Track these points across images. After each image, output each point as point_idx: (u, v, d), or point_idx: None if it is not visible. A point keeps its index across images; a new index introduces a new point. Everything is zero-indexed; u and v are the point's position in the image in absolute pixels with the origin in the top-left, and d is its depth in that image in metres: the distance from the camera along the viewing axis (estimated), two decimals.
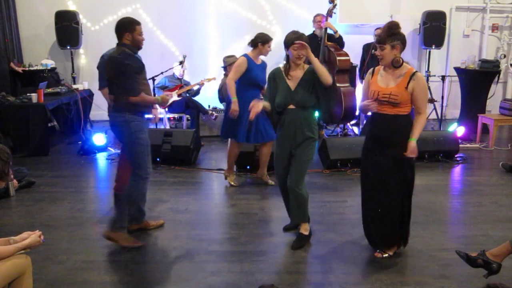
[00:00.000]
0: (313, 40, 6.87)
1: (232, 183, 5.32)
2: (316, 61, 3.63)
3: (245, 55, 5.03)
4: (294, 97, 3.73)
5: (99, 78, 4.93)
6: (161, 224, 4.26)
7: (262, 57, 5.09)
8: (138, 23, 3.89)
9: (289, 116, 3.76)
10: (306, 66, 3.78)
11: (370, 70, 3.64)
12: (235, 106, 4.89)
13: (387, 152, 3.45)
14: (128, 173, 3.99)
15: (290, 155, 3.79)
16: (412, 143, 3.40)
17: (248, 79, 4.96)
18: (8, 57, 7.98)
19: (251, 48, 5.03)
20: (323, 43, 6.74)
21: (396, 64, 3.40)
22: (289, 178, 3.77)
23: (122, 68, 3.72)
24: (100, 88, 4.86)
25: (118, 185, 4.26)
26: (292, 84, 3.75)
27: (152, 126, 7.02)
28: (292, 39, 3.65)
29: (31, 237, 2.71)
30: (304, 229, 3.88)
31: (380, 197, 3.50)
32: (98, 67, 5.03)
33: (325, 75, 3.62)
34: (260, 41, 4.96)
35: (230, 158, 5.35)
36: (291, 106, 3.74)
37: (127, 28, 3.86)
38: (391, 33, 3.36)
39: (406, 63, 3.46)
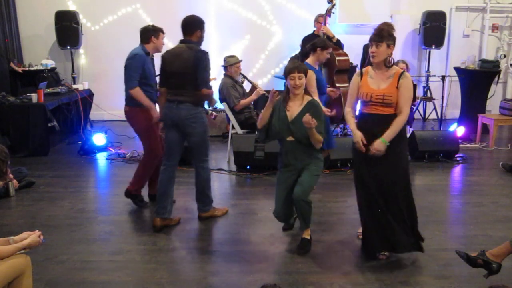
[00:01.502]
0: (311, 40, 6.87)
1: None
2: (313, 132, 3.50)
3: (308, 66, 4.52)
4: (291, 130, 3.64)
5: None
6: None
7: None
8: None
9: (289, 148, 3.68)
10: (307, 98, 3.69)
11: (358, 72, 3.60)
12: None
13: (383, 159, 3.38)
14: (146, 174, 4.50)
15: (295, 182, 3.69)
16: (381, 143, 3.35)
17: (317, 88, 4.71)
18: (8, 57, 7.99)
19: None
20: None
21: (388, 64, 3.42)
22: (297, 189, 3.64)
23: (206, 63, 3.99)
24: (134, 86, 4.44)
25: (134, 186, 4.58)
26: (290, 115, 3.66)
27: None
28: (289, 69, 3.61)
29: (31, 237, 2.71)
30: (307, 234, 3.83)
31: (388, 206, 3.46)
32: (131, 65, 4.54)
33: (316, 141, 3.56)
34: (320, 47, 4.74)
35: None
36: (290, 138, 3.66)
37: (200, 26, 4.15)
38: (390, 33, 3.39)
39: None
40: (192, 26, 4.12)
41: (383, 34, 3.38)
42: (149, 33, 4.49)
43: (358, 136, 3.44)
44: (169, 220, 4.22)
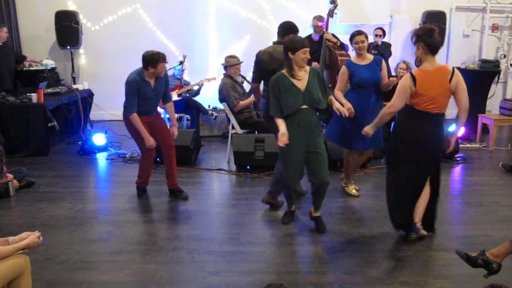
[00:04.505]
0: (313, 42, 6.85)
1: (353, 192, 5.01)
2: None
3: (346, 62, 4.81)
4: (306, 98, 3.92)
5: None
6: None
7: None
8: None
9: (303, 116, 3.93)
10: (307, 67, 3.98)
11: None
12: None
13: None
14: (142, 170, 4.94)
15: (306, 153, 3.99)
16: (369, 128, 4.00)
17: (353, 84, 4.74)
18: (18, 54, 7.99)
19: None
20: (324, 45, 6.71)
21: (417, 63, 3.74)
22: (322, 175, 4.00)
23: None
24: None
25: (139, 180, 5.01)
26: (301, 85, 3.93)
27: None
28: (301, 43, 3.89)
29: (30, 237, 2.71)
30: (319, 212, 4.21)
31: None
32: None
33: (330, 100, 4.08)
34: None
35: (349, 167, 5.01)
36: (304, 106, 3.93)
37: (294, 30, 4.49)
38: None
39: None
40: (287, 31, 4.45)
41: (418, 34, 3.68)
42: (146, 63, 4.53)
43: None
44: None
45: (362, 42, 4.64)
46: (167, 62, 4.66)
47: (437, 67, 3.67)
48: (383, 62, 4.77)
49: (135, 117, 4.58)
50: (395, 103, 3.71)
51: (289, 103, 3.91)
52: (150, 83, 4.62)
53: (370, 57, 4.77)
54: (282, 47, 4.13)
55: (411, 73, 3.69)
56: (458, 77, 3.69)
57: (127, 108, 4.60)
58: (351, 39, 4.70)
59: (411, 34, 3.77)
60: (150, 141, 4.66)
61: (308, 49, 3.91)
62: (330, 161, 5.71)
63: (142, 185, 5.02)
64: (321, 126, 4.13)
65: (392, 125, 4.10)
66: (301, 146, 3.97)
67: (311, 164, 4.02)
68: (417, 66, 3.74)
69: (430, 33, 3.63)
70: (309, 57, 3.93)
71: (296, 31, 4.51)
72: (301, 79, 3.94)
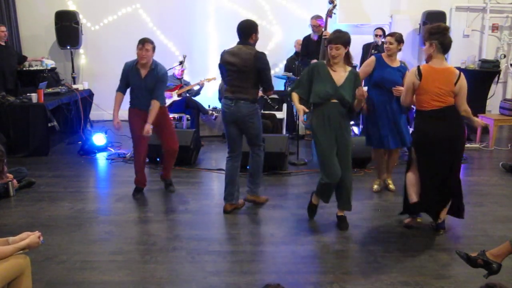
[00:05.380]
0: (310, 43, 6.86)
1: (374, 187, 5.14)
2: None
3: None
4: (339, 92, 3.95)
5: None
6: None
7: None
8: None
9: (331, 110, 3.97)
10: (348, 68, 4.02)
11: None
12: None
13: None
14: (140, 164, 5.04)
15: (336, 144, 4.04)
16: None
17: (372, 81, 4.84)
18: (19, 55, 7.98)
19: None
20: (322, 44, 6.71)
21: (428, 60, 3.91)
22: (348, 174, 4.07)
23: (268, 65, 4.36)
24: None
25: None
26: (337, 79, 3.97)
27: (151, 126, 7.02)
28: (328, 41, 3.98)
29: (30, 237, 2.71)
30: (343, 212, 4.25)
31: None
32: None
33: (359, 103, 4.06)
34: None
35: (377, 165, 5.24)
36: (334, 100, 3.96)
37: (255, 29, 4.38)
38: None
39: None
40: (250, 30, 4.38)
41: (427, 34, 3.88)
42: None
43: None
44: (236, 205, 4.58)
45: (391, 43, 4.72)
46: (148, 49, 4.64)
47: (444, 67, 3.80)
48: (407, 71, 4.68)
49: (116, 95, 4.83)
50: (402, 99, 4.00)
51: (321, 90, 3.96)
52: (140, 73, 4.72)
53: (398, 62, 4.84)
54: (245, 47, 4.31)
55: (418, 67, 3.84)
56: (463, 82, 3.79)
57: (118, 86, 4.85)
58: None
59: (423, 30, 3.90)
60: (114, 121, 4.83)
61: (334, 45, 3.91)
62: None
63: (136, 185, 5.06)
64: (349, 121, 4.20)
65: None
66: (331, 139, 4.00)
67: (340, 160, 4.07)
68: (427, 62, 3.90)
69: (445, 32, 3.78)
70: (335, 54, 3.93)
71: (256, 27, 4.40)
72: (339, 74, 3.98)
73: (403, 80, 4.63)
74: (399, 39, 4.72)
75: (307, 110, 4.04)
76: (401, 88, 4.46)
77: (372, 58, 4.87)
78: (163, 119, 4.91)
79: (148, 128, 4.67)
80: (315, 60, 6.43)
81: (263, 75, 4.31)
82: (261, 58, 4.28)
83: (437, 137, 3.78)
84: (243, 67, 4.28)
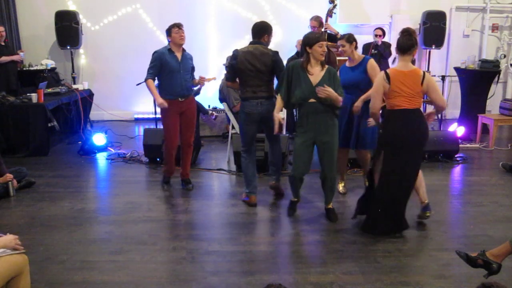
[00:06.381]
0: None
1: (340, 189, 5.09)
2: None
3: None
4: (315, 92, 4.03)
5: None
6: None
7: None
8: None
9: (311, 110, 4.10)
10: (325, 66, 4.15)
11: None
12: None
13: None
14: (165, 159, 5.29)
15: (313, 144, 4.19)
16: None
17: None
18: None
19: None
20: None
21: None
22: (329, 168, 4.20)
23: (284, 67, 4.49)
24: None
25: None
26: (313, 79, 4.08)
27: (152, 126, 7.04)
28: (317, 38, 4.07)
29: (5, 237, 2.68)
30: (331, 204, 4.42)
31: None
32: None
33: (337, 101, 4.09)
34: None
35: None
36: (312, 100, 4.07)
37: (268, 31, 4.57)
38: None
39: None
40: (263, 31, 4.55)
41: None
42: (166, 35, 4.97)
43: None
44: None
45: (343, 46, 4.70)
46: (183, 31, 4.88)
47: (410, 69, 3.87)
48: (369, 62, 4.65)
49: (149, 83, 4.84)
50: (372, 104, 3.96)
51: (297, 93, 4.11)
52: (176, 56, 4.88)
53: (358, 58, 4.75)
54: (261, 46, 4.48)
55: (385, 71, 3.90)
56: (429, 79, 3.86)
57: (146, 76, 4.85)
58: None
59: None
60: (159, 100, 4.82)
61: (324, 43, 4.09)
62: None
63: (165, 174, 5.32)
64: (335, 119, 4.20)
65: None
66: (306, 137, 4.15)
67: (319, 155, 4.25)
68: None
69: (401, 33, 3.92)
70: (325, 50, 4.10)
71: (270, 29, 4.59)
72: (316, 74, 4.09)
73: (368, 71, 4.60)
74: (350, 40, 4.66)
75: (282, 122, 4.22)
76: (371, 121, 4.24)
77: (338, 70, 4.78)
78: (188, 110, 5.05)
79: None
80: None
81: (278, 76, 4.49)
82: (279, 62, 4.49)
83: (405, 137, 3.83)
84: (262, 68, 4.47)
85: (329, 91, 3.98)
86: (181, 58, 4.92)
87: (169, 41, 4.92)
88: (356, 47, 4.77)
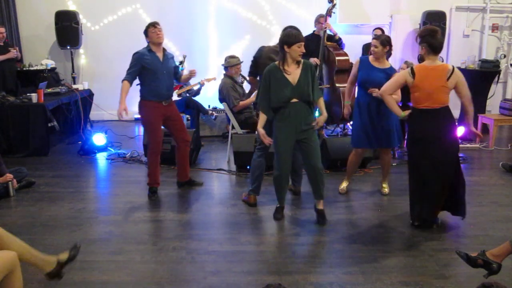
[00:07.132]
0: (314, 40, 6.86)
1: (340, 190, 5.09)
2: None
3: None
4: (297, 91, 4.03)
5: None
6: None
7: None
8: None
9: (293, 109, 4.06)
10: (301, 62, 4.09)
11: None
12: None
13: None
14: (149, 166, 4.92)
15: (294, 143, 4.15)
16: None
17: (358, 81, 4.85)
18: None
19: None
20: (322, 43, 6.73)
21: (419, 61, 4.21)
22: (315, 161, 4.14)
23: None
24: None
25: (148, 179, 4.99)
26: (292, 78, 4.04)
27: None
28: (296, 37, 3.96)
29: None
30: (322, 205, 4.30)
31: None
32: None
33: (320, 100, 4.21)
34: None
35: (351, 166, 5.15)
36: (294, 100, 4.05)
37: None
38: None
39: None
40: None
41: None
42: (144, 33, 4.85)
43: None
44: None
45: (375, 47, 4.67)
46: (161, 29, 4.79)
47: (436, 65, 3.94)
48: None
49: (124, 84, 4.69)
50: (385, 86, 4.10)
51: (279, 96, 4.05)
52: (157, 56, 4.78)
53: (387, 64, 4.78)
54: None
55: (411, 68, 3.99)
56: (458, 75, 3.93)
57: (125, 76, 4.72)
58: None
59: (416, 35, 4.01)
60: (122, 106, 4.63)
61: (303, 43, 4.00)
62: (330, 161, 5.79)
63: (151, 185, 4.95)
64: (313, 118, 4.20)
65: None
66: (289, 136, 4.11)
67: (303, 152, 4.21)
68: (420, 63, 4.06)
69: (432, 34, 3.88)
70: (303, 51, 4.02)
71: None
72: (293, 73, 4.05)
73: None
74: (384, 43, 4.62)
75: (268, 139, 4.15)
76: (376, 89, 4.43)
77: (357, 59, 4.87)
78: (173, 110, 4.96)
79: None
80: (315, 59, 6.50)
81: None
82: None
83: (429, 136, 3.92)
84: None
85: (319, 124, 4.15)
86: (163, 58, 4.82)
87: (148, 42, 4.82)
88: (389, 54, 4.77)
